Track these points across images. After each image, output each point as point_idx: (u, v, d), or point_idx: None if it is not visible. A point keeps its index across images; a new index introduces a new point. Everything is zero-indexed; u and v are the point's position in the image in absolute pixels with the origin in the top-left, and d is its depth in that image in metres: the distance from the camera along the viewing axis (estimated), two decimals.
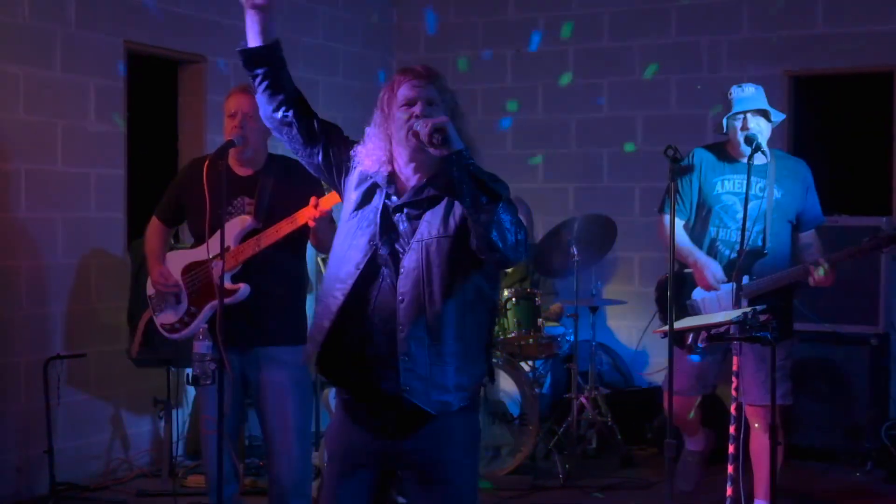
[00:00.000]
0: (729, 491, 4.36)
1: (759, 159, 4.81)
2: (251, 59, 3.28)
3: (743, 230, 4.62)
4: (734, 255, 4.81)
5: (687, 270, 4.90)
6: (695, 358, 4.81)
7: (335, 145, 3.24)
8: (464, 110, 3.15)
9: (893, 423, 6.49)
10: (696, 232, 4.95)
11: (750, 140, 4.70)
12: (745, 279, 4.80)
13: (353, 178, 3.20)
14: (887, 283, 6.40)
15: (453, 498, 3.12)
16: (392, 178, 3.12)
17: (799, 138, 7.32)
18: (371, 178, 3.14)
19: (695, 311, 4.80)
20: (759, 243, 4.80)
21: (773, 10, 7.24)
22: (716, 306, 4.74)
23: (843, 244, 4.77)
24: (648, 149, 7.32)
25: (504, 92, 8.07)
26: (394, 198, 3.10)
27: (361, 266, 3.06)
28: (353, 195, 3.18)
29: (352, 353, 3.08)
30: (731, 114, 4.81)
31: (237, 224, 4.33)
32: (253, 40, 3.28)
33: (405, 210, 3.08)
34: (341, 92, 7.79)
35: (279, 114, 3.25)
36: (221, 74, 6.83)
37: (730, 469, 4.36)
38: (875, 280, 6.36)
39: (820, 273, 4.65)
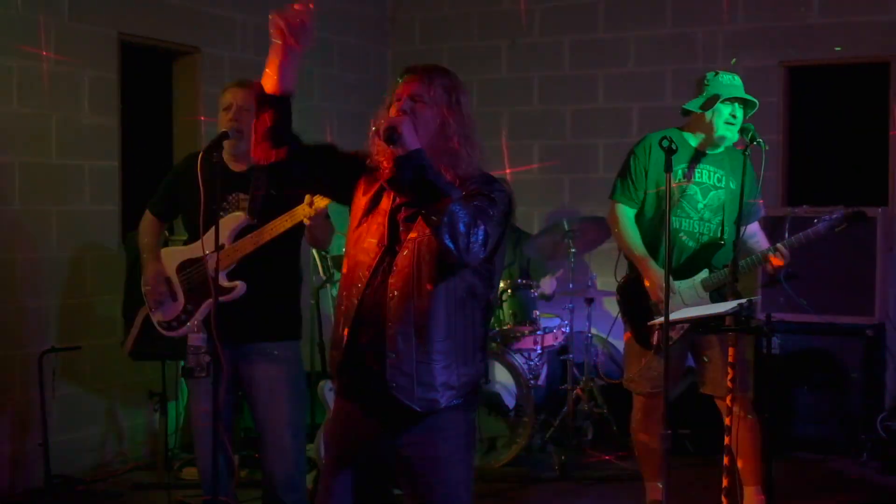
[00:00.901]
0: (724, 481, 4.37)
1: (716, 150, 4.80)
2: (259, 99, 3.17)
3: (738, 222, 4.59)
4: (698, 245, 4.80)
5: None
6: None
7: (348, 176, 3.25)
8: (468, 113, 3.14)
9: (889, 413, 6.50)
10: (656, 222, 4.83)
11: (746, 131, 4.66)
12: (706, 272, 4.80)
13: (360, 184, 3.23)
14: (882, 273, 6.40)
15: (443, 494, 3.12)
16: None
17: (794, 129, 7.32)
18: (378, 179, 3.14)
19: (658, 312, 4.75)
20: (718, 234, 4.79)
21: (768, 1, 7.23)
22: (679, 304, 4.73)
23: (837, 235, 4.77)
24: None
25: (499, 83, 8.05)
26: (395, 198, 3.11)
27: (372, 268, 3.08)
28: (362, 201, 3.20)
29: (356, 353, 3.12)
30: (724, 98, 4.74)
31: (231, 221, 4.31)
32: (269, 85, 3.13)
33: (403, 209, 3.09)
34: (336, 83, 7.78)
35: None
36: (216, 66, 6.82)
37: (725, 460, 4.37)
38: (870, 271, 6.37)
39: (778, 258, 4.66)
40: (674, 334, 4.71)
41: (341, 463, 3.21)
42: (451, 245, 2.88)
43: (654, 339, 4.73)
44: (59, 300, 5.99)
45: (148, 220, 4.64)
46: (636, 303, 4.86)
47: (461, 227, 2.87)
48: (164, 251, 4.61)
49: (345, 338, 3.12)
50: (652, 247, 4.83)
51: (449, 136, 3.06)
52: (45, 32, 5.85)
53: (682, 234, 4.81)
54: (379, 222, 3.12)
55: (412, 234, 3.05)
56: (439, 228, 2.87)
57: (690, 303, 4.75)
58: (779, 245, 4.71)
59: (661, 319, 4.03)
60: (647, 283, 4.78)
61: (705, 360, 4.86)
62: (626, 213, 4.89)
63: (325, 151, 3.26)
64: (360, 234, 3.16)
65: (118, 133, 6.31)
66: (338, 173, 3.26)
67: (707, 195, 4.80)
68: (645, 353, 4.84)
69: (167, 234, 5.01)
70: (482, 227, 2.92)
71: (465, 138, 3.08)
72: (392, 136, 2.91)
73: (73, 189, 6.06)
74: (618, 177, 4.94)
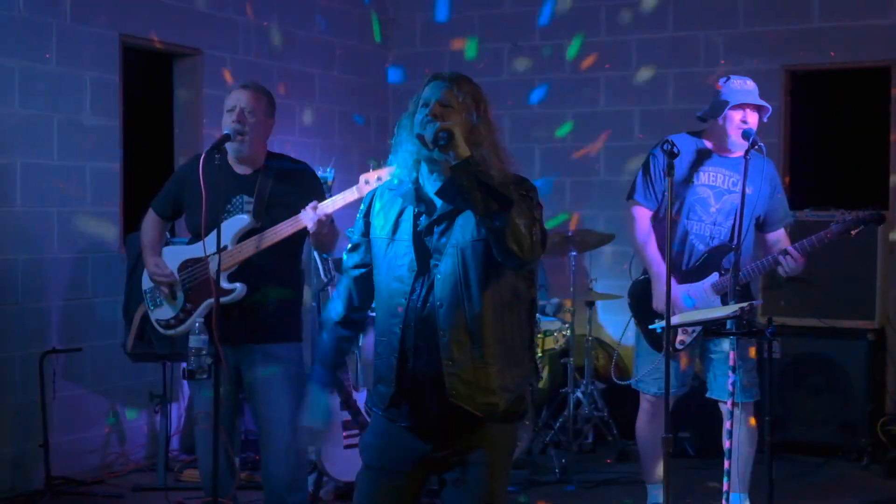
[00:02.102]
0: (725, 485, 4.37)
1: (735, 154, 4.80)
2: None
3: (740, 226, 4.59)
4: (707, 249, 4.80)
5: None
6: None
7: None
8: (493, 119, 3.15)
9: (890, 418, 6.50)
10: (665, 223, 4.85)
11: (747, 135, 4.67)
12: (716, 275, 4.79)
13: (375, 211, 3.21)
14: (883, 278, 6.40)
15: (487, 501, 3.13)
16: (418, 190, 3.12)
17: (795, 133, 7.32)
18: (398, 195, 3.15)
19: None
20: (729, 238, 4.79)
21: (769, 5, 7.24)
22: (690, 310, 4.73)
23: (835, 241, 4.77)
24: (646, 143, 7.30)
25: (500, 86, 8.05)
26: (423, 218, 3.10)
27: (407, 295, 3.07)
28: (382, 231, 3.17)
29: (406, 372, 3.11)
30: (733, 104, 4.74)
31: (235, 223, 4.31)
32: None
33: (434, 228, 3.08)
34: (338, 85, 7.78)
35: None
36: (217, 68, 6.82)
37: (726, 464, 4.37)
38: (872, 275, 6.36)
39: (790, 262, 4.66)
40: (686, 337, 4.71)
41: (386, 475, 3.17)
42: (516, 248, 2.89)
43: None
44: (60, 301, 5.99)
45: (151, 218, 4.64)
46: (648, 304, 4.85)
47: (523, 229, 2.89)
48: (165, 249, 4.62)
49: (394, 368, 3.09)
50: (664, 248, 4.83)
51: (479, 143, 3.05)
52: (47, 34, 5.86)
53: (691, 237, 4.82)
54: (405, 249, 3.11)
55: (451, 241, 3.05)
56: (502, 234, 2.88)
57: (701, 306, 4.75)
58: (789, 248, 4.70)
59: (664, 322, 4.02)
60: (657, 296, 4.78)
61: (712, 363, 4.86)
62: (641, 215, 4.89)
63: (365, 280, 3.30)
64: (388, 261, 3.14)
65: (120, 134, 6.31)
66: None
67: (720, 199, 4.80)
68: (655, 354, 4.82)
69: (168, 235, 5.01)
70: (538, 227, 2.95)
71: (493, 145, 3.08)
72: (446, 140, 2.90)
73: (74, 190, 6.06)
74: (636, 178, 4.93)
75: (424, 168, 3.10)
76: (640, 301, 4.93)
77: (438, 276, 3.04)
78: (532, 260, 2.96)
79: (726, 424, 4.44)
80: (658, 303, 4.75)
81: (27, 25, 5.76)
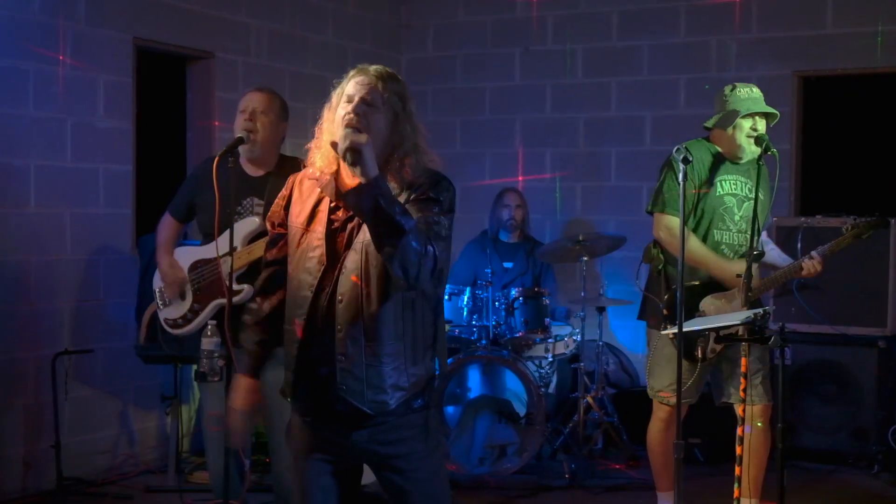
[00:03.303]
0: (735, 492, 4.36)
1: (743, 160, 4.80)
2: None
3: (757, 232, 4.58)
4: (736, 257, 4.80)
5: (694, 283, 4.84)
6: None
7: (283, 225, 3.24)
8: (416, 119, 3.11)
9: None
10: (698, 235, 4.83)
11: (760, 141, 4.67)
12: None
13: (293, 199, 3.19)
14: (895, 284, 6.38)
15: (416, 489, 3.15)
16: (338, 179, 3.09)
17: (807, 139, 7.31)
18: (319, 189, 3.12)
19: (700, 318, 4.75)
20: (749, 245, 4.78)
21: (782, 10, 7.24)
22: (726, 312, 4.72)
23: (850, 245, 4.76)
24: (657, 149, 7.31)
25: (512, 90, 8.07)
26: (339, 213, 3.08)
27: (314, 288, 3.06)
28: (297, 222, 3.16)
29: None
30: (744, 114, 4.74)
31: (246, 225, 4.33)
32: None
33: (347, 223, 3.07)
34: None
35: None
36: (230, 71, 6.84)
37: (737, 471, 4.36)
38: (883, 282, 6.35)
39: (816, 265, 4.65)
40: (718, 346, 4.69)
41: (311, 465, 3.18)
42: (401, 275, 2.89)
43: (699, 352, 4.71)
44: (72, 303, 6.01)
45: (167, 221, 4.71)
46: (687, 313, 4.79)
47: (413, 258, 2.86)
48: (177, 250, 4.66)
49: (295, 358, 3.10)
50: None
51: (397, 143, 3.03)
52: (61, 37, 5.88)
53: (723, 247, 4.80)
54: (318, 241, 3.08)
55: (359, 237, 3.03)
56: (391, 259, 2.87)
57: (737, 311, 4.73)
58: (813, 253, 4.69)
59: (676, 329, 4.01)
60: (727, 278, 4.74)
61: (726, 369, 4.84)
62: (675, 223, 4.86)
63: (275, 265, 3.27)
64: (301, 253, 3.11)
65: (133, 137, 6.33)
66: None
67: (742, 206, 4.80)
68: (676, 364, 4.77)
69: (182, 238, 5.04)
70: (432, 253, 2.91)
71: (414, 146, 3.05)
72: (353, 157, 2.85)
73: (87, 192, 6.08)
74: (657, 191, 4.90)
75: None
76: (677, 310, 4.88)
77: (343, 272, 3.03)
78: (418, 286, 2.96)
79: (739, 430, 4.43)
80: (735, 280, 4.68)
81: (42, 28, 5.78)
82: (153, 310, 4.72)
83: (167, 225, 4.70)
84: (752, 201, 4.72)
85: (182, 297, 4.55)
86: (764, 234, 4.99)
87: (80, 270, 6.07)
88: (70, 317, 5.99)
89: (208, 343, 3.94)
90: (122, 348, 6.09)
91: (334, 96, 3.12)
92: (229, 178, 4.13)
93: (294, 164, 4.48)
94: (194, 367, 4.45)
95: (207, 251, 4.40)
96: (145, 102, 6.48)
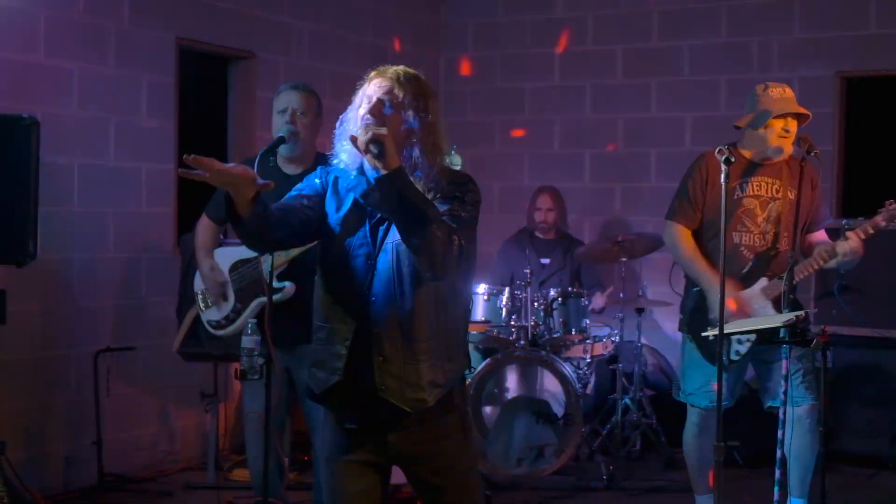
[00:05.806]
0: (776, 495, 4.33)
1: (775, 160, 4.75)
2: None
3: (795, 232, 4.55)
4: (756, 257, 4.76)
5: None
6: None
7: (315, 209, 3.16)
8: (437, 120, 3.09)
9: None
10: (716, 238, 4.72)
11: (803, 141, 4.62)
12: (764, 280, 4.73)
13: (330, 201, 3.16)
14: None
15: (451, 485, 3.17)
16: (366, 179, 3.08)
17: (850, 140, 7.25)
18: (349, 189, 3.11)
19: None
20: (772, 243, 4.74)
21: (825, 10, 7.18)
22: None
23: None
24: (697, 150, 7.26)
25: (551, 91, 8.05)
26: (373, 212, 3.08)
27: (364, 287, 3.05)
28: (333, 213, 3.13)
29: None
30: (776, 114, 4.70)
31: None
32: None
33: (378, 224, 3.08)
34: None
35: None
36: (271, 71, 6.88)
37: (777, 473, 4.33)
38: None
39: (852, 245, 4.58)
40: (741, 348, 4.66)
41: (348, 468, 3.16)
42: (428, 266, 2.92)
43: (724, 354, 4.68)
44: (114, 301, 6.07)
45: (204, 222, 4.71)
46: (703, 316, 4.78)
47: (439, 248, 2.88)
48: (218, 250, 4.68)
49: (343, 357, 3.06)
50: (716, 260, 4.78)
51: (414, 143, 3.03)
52: (105, 37, 5.95)
53: (742, 248, 4.76)
54: (362, 239, 3.07)
55: (389, 238, 3.04)
56: (417, 251, 2.89)
57: (758, 312, 4.69)
58: (848, 233, 4.63)
59: (716, 330, 3.98)
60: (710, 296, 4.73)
61: (768, 371, 4.80)
62: (684, 234, 4.84)
63: (291, 211, 3.14)
64: (342, 251, 3.09)
65: (175, 136, 6.38)
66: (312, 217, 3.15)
67: (766, 208, 4.76)
68: (708, 366, 4.74)
69: (222, 237, 5.07)
70: (457, 245, 2.92)
71: (431, 146, 3.05)
72: (376, 149, 2.87)
73: (129, 191, 6.14)
74: (675, 198, 4.88)
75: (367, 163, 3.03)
76: (695, 313, 4.87)
77: (376, 272, 3.04)
78: (445, 277, 2.97)
79: (780, 433, 4.40)
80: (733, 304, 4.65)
81: (85, 28, 5.85)
82: (195, 313, 4.74)
83: (205, 227, 4.71)
84: (779, 202, 4.68)
85: (224, 298, 4.58)
86: (819, 235, 4.92)
87: (122, 269, 6.13)
88: (112, 315, 6.05)
89: (248, 341, 3.96)
90: (163, 346, 6.12)
91: (356, 98, 3.14)
92: (268, 177, 4.15)
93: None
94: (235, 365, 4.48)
95: (248, 251, 4.42)
96: (187, 102, 6.53)
